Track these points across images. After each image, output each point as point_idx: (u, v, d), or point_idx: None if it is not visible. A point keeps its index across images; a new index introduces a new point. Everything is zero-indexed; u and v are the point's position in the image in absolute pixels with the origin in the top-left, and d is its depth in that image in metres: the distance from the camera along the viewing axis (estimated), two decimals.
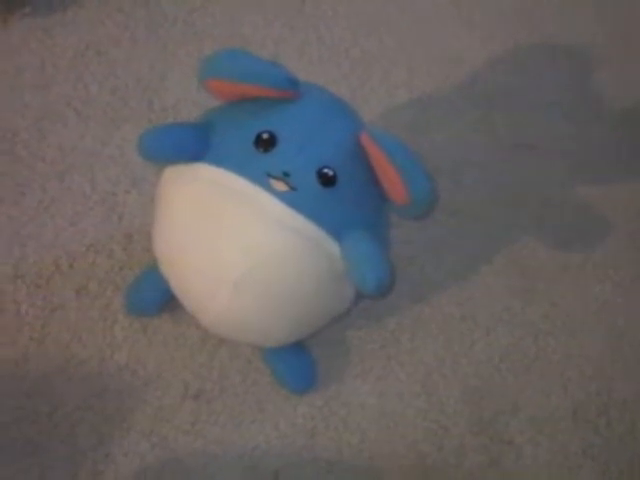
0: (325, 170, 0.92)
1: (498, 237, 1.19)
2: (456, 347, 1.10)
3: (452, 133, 1.27)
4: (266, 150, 0.92)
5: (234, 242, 0.91)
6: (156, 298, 1.04)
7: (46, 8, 1.25)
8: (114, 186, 1.14)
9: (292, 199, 0.91)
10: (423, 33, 1.36)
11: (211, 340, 1.05)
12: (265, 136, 0.92)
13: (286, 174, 0.91)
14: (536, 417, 1.07)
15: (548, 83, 1.35)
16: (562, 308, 1.15)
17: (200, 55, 1.22)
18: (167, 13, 1.29)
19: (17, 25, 1.24)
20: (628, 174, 1.28)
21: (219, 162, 0.92)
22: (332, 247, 0.92)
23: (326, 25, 1.35)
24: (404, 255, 1.14)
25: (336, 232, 0.92)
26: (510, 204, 1.22)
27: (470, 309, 1.13)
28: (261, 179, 0.91)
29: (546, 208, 1.23)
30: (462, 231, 1.19)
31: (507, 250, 1.18)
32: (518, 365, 1.10)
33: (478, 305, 1.14)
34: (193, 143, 0.94)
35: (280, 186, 0.91)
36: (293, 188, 0.91)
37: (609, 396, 1.09)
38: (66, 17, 1.25)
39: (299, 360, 1.05)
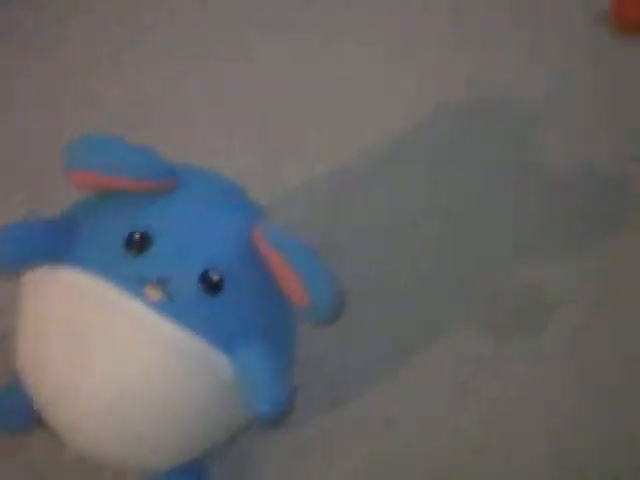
0: (209, 274, 0.79)
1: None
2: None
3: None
4: (139, 252, 0.79)
5: (100, 362, 0.78)
6: (29, 411, 0.90)
7: None
8: None
9: (169, 309, 0.77)
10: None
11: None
12: (137, 236, 0.79)
13: (163, 280, 0.78)
14: None
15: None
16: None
17: None
18: None
19: None
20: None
21: (85, 265, 0.79)
22: (219, 361, 0.79)
23: None
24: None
25: (224, 344, 0.79)
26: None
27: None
28: (133, 286, 0.78)
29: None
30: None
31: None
32: None
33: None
34: (52, 243, 0.80)
35: (155, 294, 0.78)
36: (171, 296, 0.78)
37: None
38: None
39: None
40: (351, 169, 1.14)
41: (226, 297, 0.79)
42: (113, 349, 0.78)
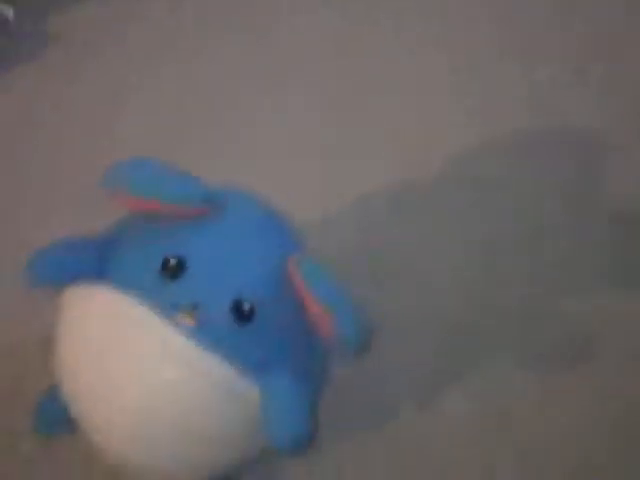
0: (241, 302, 0.80)
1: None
2: None
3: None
4: (174, 277, 0.80)
5: (129, 380, 0.80)
6: (67, 418, 0.93)
7: None
8: None
9: (199, 335, 0.79)
10: None
11: None
12: (172, 261, 0.80)
13: (194, 306, 0.79)
14: None
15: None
16: (531, 456, 0.99)
17: None
18: None
19: None
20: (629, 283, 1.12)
21: (121, 286, 0.81)
22: (246, 389, 0.80)
23: None
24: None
25: (253, 372, 0.80)
26: (488, 317, 1.08)
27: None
28: (166, 310, 0.79)
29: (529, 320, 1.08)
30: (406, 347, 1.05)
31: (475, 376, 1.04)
32: None
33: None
34: (90, 265, 0.83)
35: (187, 319, 0.79)
36: (202, 322, 0.79)
37: None
38: None
39: None
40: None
41: (256, 327, 0.80)
42: (142, 368, 0.80)
